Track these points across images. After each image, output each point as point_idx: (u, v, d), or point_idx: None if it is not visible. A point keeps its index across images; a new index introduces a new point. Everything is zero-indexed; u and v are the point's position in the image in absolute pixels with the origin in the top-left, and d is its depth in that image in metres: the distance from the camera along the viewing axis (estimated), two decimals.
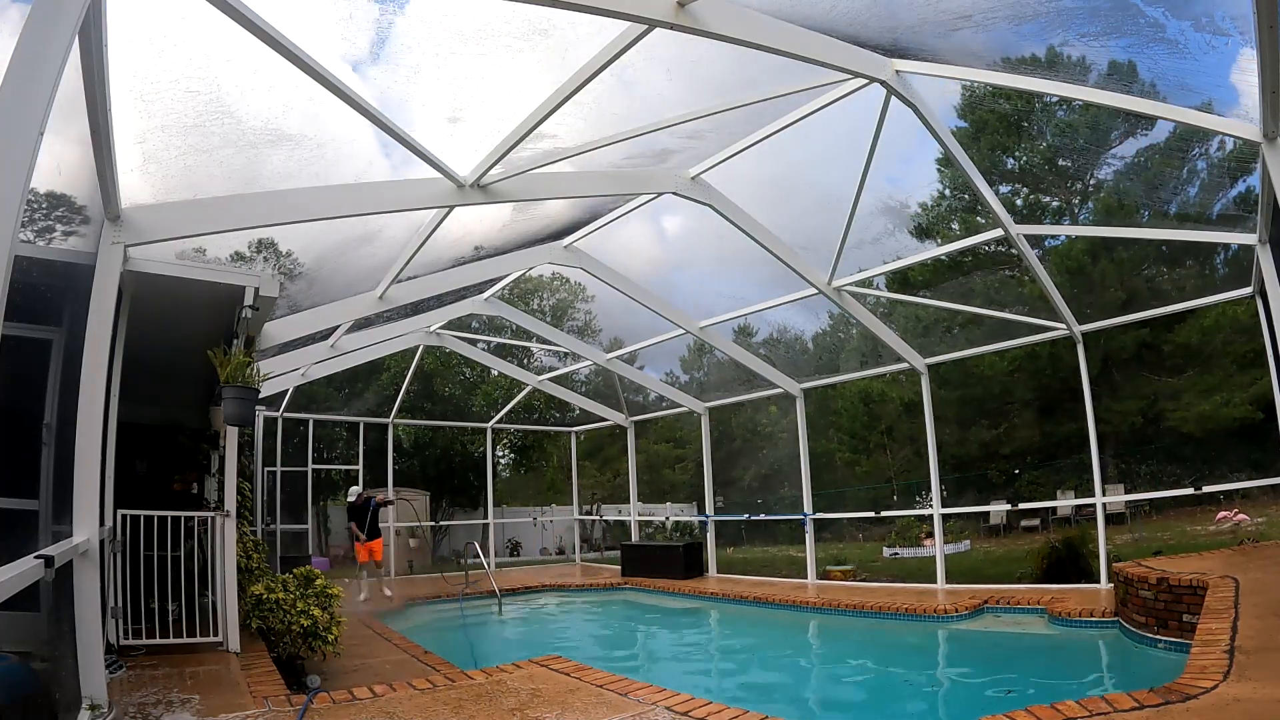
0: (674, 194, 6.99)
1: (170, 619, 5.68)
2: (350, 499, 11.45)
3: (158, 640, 5.53)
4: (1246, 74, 3.96)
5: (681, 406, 13.53)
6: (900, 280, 15.78)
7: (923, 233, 17.91)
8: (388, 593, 10.79)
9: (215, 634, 5.69)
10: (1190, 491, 11.33)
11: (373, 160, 5.55)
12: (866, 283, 9.50)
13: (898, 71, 5.40)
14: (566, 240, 8.51)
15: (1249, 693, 3.09)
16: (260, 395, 6.09)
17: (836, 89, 5.88)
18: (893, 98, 5.62)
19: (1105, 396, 17.99)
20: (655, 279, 10.03)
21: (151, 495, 7.49)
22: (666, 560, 11.98)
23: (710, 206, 7.17)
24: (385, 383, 16.77)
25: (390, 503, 12.34)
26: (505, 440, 23.58)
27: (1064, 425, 18.99)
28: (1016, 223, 7.52)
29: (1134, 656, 5.81)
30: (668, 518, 20.99)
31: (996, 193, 7.49)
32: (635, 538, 14.41)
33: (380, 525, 11.66)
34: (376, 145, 5.44)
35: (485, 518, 16.39)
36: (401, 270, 7.09)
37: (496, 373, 16.10)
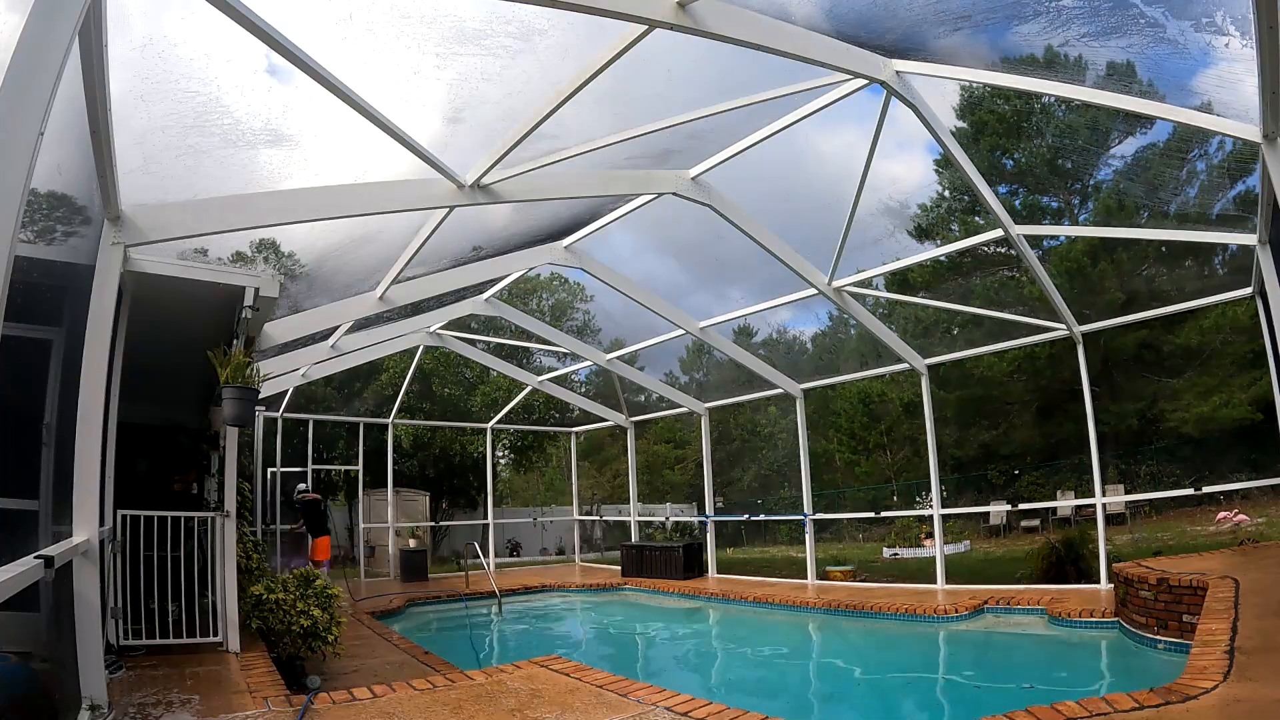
0: (674, 194, 6.98)
1: (170, 619, 5.67)
2: (302, 496, 11.14)
3: (158, 640, 5.53)
4: (1246, 74, 3.96)
5: (681, 407, 13.53)
6: (900, 281, 15.80)
7: (922, 233, 17.95)
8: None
9: (215, 634, 5.68)
10: (1190, 492, 11.33)
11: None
12: (866, 283, 9.50)
13: (898, 72, 5.40)
14: (566, 240, 8.51)
15: (1249, 693, 3.09)
16: (260, 396, 6.09)
17: (837, 89, 5.88)
18: (893, 98, 5.63)
19: (1105, 397, 18.00)
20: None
21: (151, 495, 7.49)
22: (666, 560, 11.98)
23: (710, 207, 7.16)
24: (385, 383, 16.77)
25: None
26: (505, 440, 23.56)
27: (1064, 426, 19.00)
28: (1016, 223, 7.52)
29: (1134, 657, 5.81)
30: (667, 518, 20.99)
31: (996, 193, 7.49)
32: (635, 538, 14.41)
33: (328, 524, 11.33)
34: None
35: (485, 518, 16.38)
36: (401, 270, 7.09)
37: (496, 373, 16.09)
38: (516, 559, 19.71)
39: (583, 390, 16.85)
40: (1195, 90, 4.75)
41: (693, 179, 7.00)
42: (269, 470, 12.51)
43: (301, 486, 11.50)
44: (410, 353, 13.02)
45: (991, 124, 15.86)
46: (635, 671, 7.53)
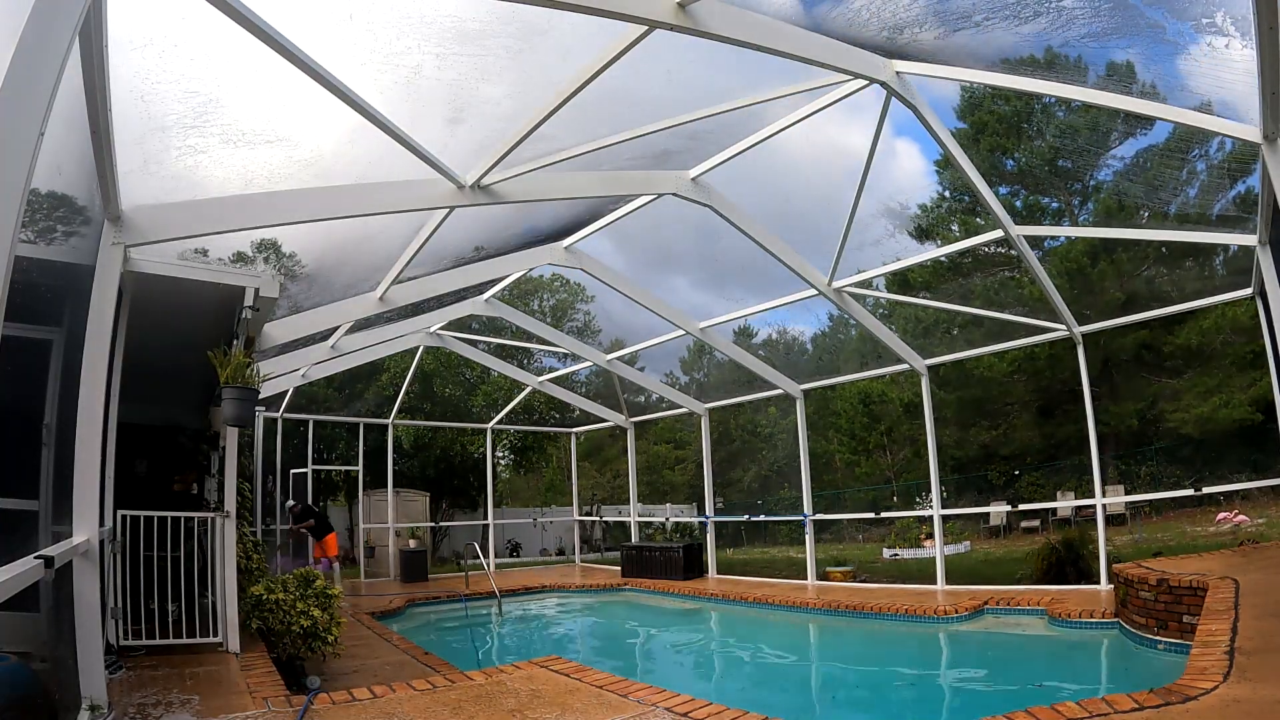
0: (674, 195, 6.98)
1: (170, 620, 5.67)
2: (293, 509, 12.54)
3: (158, 641, 5.53)
4: (1246, 75, 3.97)
5: (681, 408, 13.53)
6: (900, 281, 15.79)
7: (923, 234, 17.96)
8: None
9: (215, 635, 5.68)
10: (1190, 493, 11.32)
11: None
12: (866, 284, 9.49)
13: (898, 73, 5.40)
14: (567, 241, 8.51)
15: (1249, 694, 3.08)
16: (260, 396, 6.09)
17: (837, 90, 5.88)
18: (893, 99, 5.63)
19: (1105, 398, 18.00)
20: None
21: (151, 495, 7.49)
22: (666, 561, 11.98)
23: (710, 208, 7.16)
24: (385, 383, 16.77)
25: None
26: (505, 441, 23.56)
27: (1064, 426, 19.01)
28: (1016, 224, 7.52)
29: (1134, 657, 5.81)
30: (668, 519, 20.97)
31: (996, 194, 7.49)
32: (635, 539, 14.40)
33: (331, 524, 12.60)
34: None
35: (485, 519, 16.38)
36: (402, 271, 7.09)
37: (496, 373, 16.09)
38: (517, 559, 19.70)
39: (583, 391, 16.85)
40: (1195, 91, 4.75)
41: (693, 179, 7.00)
42: (290, 471, 13.03)
43: (290, 503, 12.73)
44: (410, 353, 13.01)
45: (992, 124, 15.89)
46: (635, 672, 7.52)
